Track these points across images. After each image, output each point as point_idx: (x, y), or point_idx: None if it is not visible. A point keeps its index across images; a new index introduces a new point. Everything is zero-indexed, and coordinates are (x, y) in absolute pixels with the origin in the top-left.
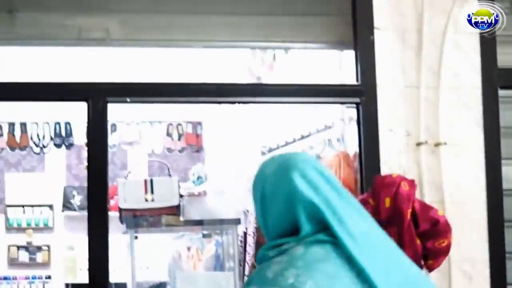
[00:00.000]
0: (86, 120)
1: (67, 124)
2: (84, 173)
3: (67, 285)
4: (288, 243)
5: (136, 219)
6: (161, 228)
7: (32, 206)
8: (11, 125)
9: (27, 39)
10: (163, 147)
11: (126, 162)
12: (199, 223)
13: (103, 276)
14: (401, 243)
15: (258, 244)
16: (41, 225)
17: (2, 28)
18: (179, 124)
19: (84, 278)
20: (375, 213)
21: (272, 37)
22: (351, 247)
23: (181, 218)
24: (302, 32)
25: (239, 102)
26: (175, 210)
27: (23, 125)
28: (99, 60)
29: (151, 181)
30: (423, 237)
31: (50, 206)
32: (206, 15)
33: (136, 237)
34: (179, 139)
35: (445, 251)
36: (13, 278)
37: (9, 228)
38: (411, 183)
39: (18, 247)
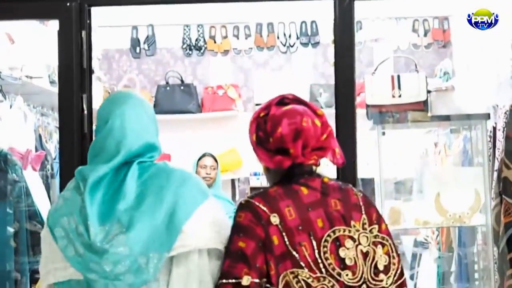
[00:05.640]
0: (332, 18)
1: (313, 22)
2: (330, 71)
3: None
4: None
5: (382, 115)
6: (408, 124)
7: None
8: (258, 25)
9: None
10: (409, 43)
11: (372, 59)
12: (447, 118)
13: (351, 171)
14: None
15: (508, 139)
16: None
17: None
18: (425, 20)
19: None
20: None
21: None
22: None
23: (429, 114)
24: None
25: None
26: (422, 106)
27: (270, 25)
28: None
29: (398, 77)
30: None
31: None
32: None
33: (383, 133)
34: (425, 35)
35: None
36: None
37: None
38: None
39: None
